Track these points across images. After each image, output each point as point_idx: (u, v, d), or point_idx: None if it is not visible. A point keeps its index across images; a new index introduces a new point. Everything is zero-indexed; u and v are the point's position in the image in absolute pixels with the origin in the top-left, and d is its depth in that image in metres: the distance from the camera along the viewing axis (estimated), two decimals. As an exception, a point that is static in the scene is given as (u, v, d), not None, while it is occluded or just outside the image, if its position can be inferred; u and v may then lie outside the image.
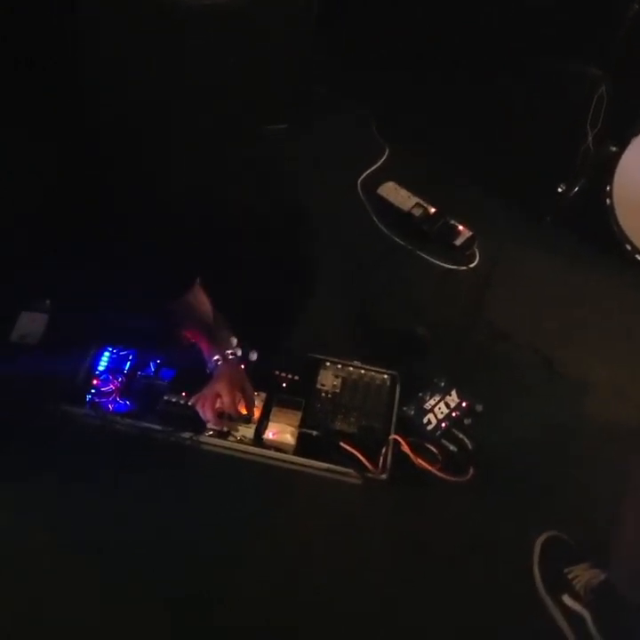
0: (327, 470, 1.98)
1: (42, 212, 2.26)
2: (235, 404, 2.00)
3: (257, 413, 2.05)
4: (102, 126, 2.17)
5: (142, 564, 1.82)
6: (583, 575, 1.81)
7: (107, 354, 2.16)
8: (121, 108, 2.16)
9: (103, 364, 2.14)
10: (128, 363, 2.15)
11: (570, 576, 1.83)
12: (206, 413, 2.00)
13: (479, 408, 2.17)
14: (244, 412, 2.03)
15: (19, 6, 2.14)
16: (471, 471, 2.03)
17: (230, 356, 2.06)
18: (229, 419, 2.02)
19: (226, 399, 1.99)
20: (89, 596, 1.76)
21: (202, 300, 2.12)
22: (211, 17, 2.45)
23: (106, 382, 2.08)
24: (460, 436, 2.11)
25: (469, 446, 2.10)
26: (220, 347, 2.07)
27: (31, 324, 2.22)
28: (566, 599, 1.80)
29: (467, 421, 2.15)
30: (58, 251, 2.19)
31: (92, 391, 2.07)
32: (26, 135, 2.18)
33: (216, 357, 2.04)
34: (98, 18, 2.29)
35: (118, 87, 2.24)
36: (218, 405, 1.99)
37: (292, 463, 2.00)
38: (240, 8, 2.47)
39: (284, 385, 2.14)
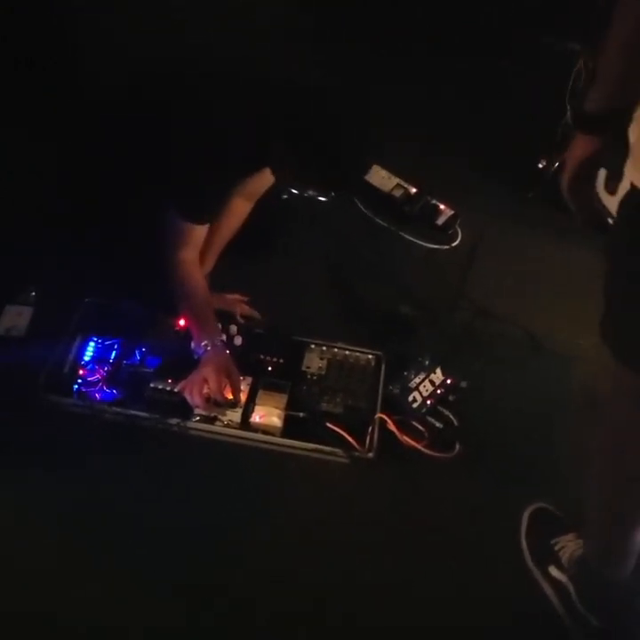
0: (315, 451, 2.01)
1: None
2: (221, 390, 2.01)
3: (243, 397, 2.07)
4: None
5: (133, 552, 1.83)
6: (568, 546, 1.83)
7: (92, 344, 2.17)
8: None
9: (89, 354, 2.14)
10: (113, 352, 2.16)
11: (556, 547, 1.85)
12: (194, 399, 2.01)
13: (464, 384, 2.18)
14: (231, 397, 2.04)
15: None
16: (457, 447, 2.05)
17: (218, 342, 2.08)
18: (216, 404, 2.03)
19: (212, 385, 2.00)
20: (79, 584, 1.78)
21: (199, 279, 2.16)
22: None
23: (92, 372, 2.09)
24: (446, 412, 2.13)
25: (455, 422, 2.12)
26: (210, 333, 2.09)
27: (16, 316, 2.23)
28: (553, 570, 1.83)
29: (452, 398, 2.17)
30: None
31: (79, 381, 2.08)
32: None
33: (204, 343, 2.06)
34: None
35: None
36: (205, 391, 2.01)
37: (280, 445, 2.02)
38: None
39: (270, 368, 2.16)
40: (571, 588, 1.78)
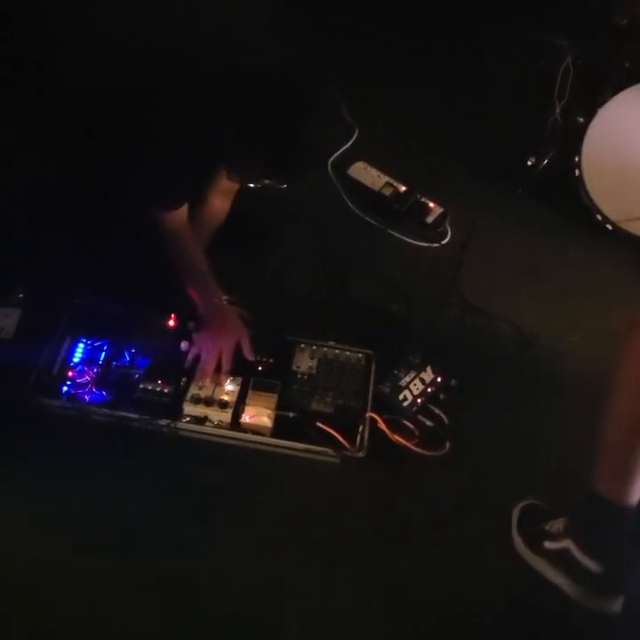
0: (305, 451, 2.00)
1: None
2: (230, 363, 2.09)
3: (233, 398, 2.06)
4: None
5: (123, 551, 1.83)
6: (559, 521, 1.87)
7: (81, 345, 2.15)
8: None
9: (78, 355, 2.13)
10: (103, 353, 2.14)
11: (547, 527, 1.89)
12: (206, 372, 2.07)
13: (454, 383, 2.19)
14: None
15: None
16: (448, 445, 2.05)
17: (222, 302, 2.16)
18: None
19: (225, 358, 2.08)
20: (70, 582, 1.78)
21: (191, 244, 2.20)
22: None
23: (81, 373, 2.08)
24: (436, 411, 2.14)
25: (445, 421, 2.12)
26: (212, 294, 2.16)
27: (4, 318, 2.22)
28: (547, 544, 1.85)
29: (442, 396, 2.17)
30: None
31: (68, 383, 2.07)
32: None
33: (209, 305, 2.14)
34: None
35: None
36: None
37: (270, 445, 2.01)
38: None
39: (260, 368, 2.15)
40: (569, 544, 1.80)
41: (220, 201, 2.36)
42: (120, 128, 2.06)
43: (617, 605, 1.77)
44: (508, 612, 1.85)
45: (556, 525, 1.87)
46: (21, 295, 2.28)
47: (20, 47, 2.25)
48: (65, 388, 2.06)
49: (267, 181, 2.07)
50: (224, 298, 2.18)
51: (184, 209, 2.17)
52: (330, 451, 2.00)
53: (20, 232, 2.35)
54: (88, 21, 2.22)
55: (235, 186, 2.33)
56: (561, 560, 1.81)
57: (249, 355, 2.12)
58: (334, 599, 1.82)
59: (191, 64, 2.05)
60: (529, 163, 2.82)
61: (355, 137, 2.98)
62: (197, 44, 2.10)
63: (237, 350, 2.12)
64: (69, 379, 2.08)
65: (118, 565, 1.81)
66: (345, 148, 2.95)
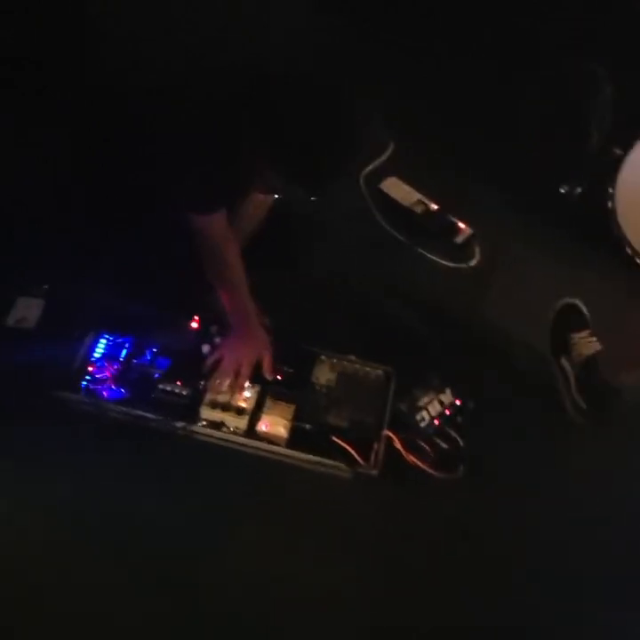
0: (318, 464, 2.00)
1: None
2: (245, 380, 2.08)
3: (250, 405, 2.06)
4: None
5: (129, 550, 1.83)
6: (579, 343, 2.20)
7: (103, 340, 2.16)
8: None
9: (99, 350, 2.14)
10: (124, 350, 2.15)
11: (571, 342, 2.21)
12: (220, 384, 2.07)
13: (472, 406, 2.17)
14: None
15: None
16: (461, 469, 2.04)
17: (251, 318, 2.15)
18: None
19: (244, 373, 2.08)
20: (76, 580, 1.79)
21: (231, 251, 2.15)
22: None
23: (101, 369, 2.09)
24: (453, 433, 2.12)
25: (461, 444, 2.11)
26: (244, 307, 2.16)
27: (27, 308, 2.24)
28: (563, 361, 2.22)
29: (459, 419, 2.15)
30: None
31: (88, 378, 2.07)
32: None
33: (237, 317, 2.14)
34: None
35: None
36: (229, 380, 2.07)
37: (284, 456, 2.01)
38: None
39: (279, 377, 2.14)
40: (571, 378, 2.18)
41: (253, 210, 2.35)
42: (145, 127, 2.05)
43: None
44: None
45: (576, 344, 2.19)
46: (46, 286, 2.29)
47: (21, 47, 2.24)
48: (84, 383, 2.06)
49: (291, 191, 2.04)
50: (255, 312, 2.17)
51: (222, 214, 2.14)
52: (343, 465, 1.99)
53: (48, 223, 2.36)
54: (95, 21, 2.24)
55: (269, 198, 2.34)
56: (564, 379, 2.21)
57: (268, 373, 2.12)
58: (332, 612, 1.81)
59: (209, 65, 2.02)
60: (562, 191, 2.81)
61: (389, 151, 2.97)
62: (214, 45, 2.09)
63: (257, 364, 2.13)
64: (89, 373, 2.08)
65: (120, 563, 1.82)
66: (379, 161, 2.94)
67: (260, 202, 2.35)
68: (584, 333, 2.21)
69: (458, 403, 2.16)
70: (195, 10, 2.14)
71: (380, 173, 2.88)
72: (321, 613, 1.81)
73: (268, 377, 2.12)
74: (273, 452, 2.01)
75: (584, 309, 2.27)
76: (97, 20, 2.20)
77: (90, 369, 2.09)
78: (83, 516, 1.88)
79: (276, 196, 2.17)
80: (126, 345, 2.16)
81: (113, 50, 2.26)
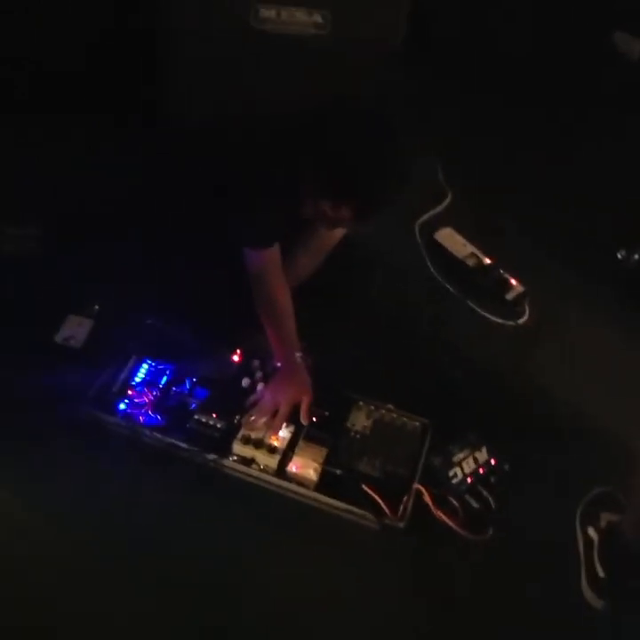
0: (345, 511, 1.97)
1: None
2: (282, 422, 2.08)
3: (283, 445, 2.06)
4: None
5: (149, 578, 1.83)
6: (607, 515, 2.04)
7: (145, 366, 2.19)
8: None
9: (140, 375, 2.16)
10: (165, 377, 2.17)
11: (600, 518, 2.06)
12: (256, 422, 2.07)
13: (507, 467, 2.13)
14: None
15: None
16: (490, 531, 2.00)
17: (295, 360, 2.15)
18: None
19: (280, 415, 2.07)
20: (86, 598, 1.79)
21: (281, 291, 2.19)
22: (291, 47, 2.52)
23: (140, 394, 2.11)
24: (485, 493, 2.08)
25: (492, 505, 2.06)
26: (288, 348, 2.16)
27: (76, 327, 2.28)
28: (590, 530, 2.04)
29: (493, 479, 2.11)
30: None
31: (126, 401, 2.09)
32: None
33: (282, 358, 2.16)
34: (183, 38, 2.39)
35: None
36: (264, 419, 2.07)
37: (311, 499, 1.99)
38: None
39: (314, 419, 2.13)
40: (595, 543, 2.00)
41: (307, 262, 2.40)
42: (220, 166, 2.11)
43: None
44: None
45: (603, 517, 2.03)
46: (97, 307, 2.33)
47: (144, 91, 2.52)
48: (122, 406, 2.08)
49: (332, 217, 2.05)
50: (298, 354, 2.16)
51: (275, 251, 2.17)
52: (370, 515, 1.96)
53: (106, 245, 2.42)
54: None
55: (326, 247, 2.36)
56: (588, 546, 2.01)
57: (304, 419, 2.11)
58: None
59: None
60: (619, 256, 2.77)
61: (447, 202, 2.98)
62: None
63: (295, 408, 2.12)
64: (128, 397, 2.10)
65: (139, 591, 1.81)
66: (435, 211, 2.95)
67: (322, 241, 2.37)
68: (615, 515, 2.05)
69: (493, 462, 2.13)
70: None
71: (436, 223, 2.88)
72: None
73: (304, 422, 2.11)
74: (300, 495, 1.99)
75: (620, 497, 2.11)
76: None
77: (129, 393, 2.11)
78: (105, 534, 1.89)
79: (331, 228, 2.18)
80: (167, 372, 2.18)
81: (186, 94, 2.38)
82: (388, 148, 1.90)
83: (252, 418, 2.07)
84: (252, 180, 2.08)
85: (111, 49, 2.68)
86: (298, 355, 2.16)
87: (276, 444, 2.04)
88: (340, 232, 2.36)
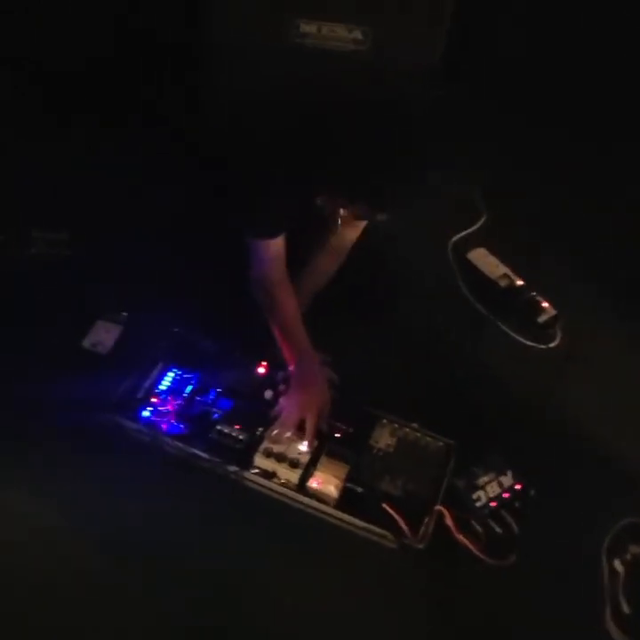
0: (364, 529, 1.95)
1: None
2: (312, 435, 2.05)
3: (305, 459, 2.04)
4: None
5: (161, 587, 1.83)
6: (634, 549, 2.00)
7: (171, 374, 2.18)
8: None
9: (165, 383, 2.16)
10: (190, 386, 2.17)
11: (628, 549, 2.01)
12: (280, 435, 2.05)
13: (532, 493, 2.09)
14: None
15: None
16: (513, 557, 1.95)
17: (308, 365, 2.13)
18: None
19: (309, 429, 2.04)
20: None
21: (286, 295, 2.19)
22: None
23: (164, 402, 2.11)
24: (508, 518, 2.04)
25: (516, 531, 2.02)
26: (299, 353, 2.14)
27: (105, 333, 2.28)
28: (616, 563, 1.99)
29: (517, 504, 2.07)
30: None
31: (150, 408, 2.09)
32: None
33: (293, 365, 2.13)
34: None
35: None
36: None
37: (331, 516, 1.97)
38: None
39: (337, 435, 2.12)
40: (621, 577, 1.94)
41: (328, 260, 2.39)
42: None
43: None
44: None
45: (630, 548, 1.97)
46: (125, 313, 2.34)
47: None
48: (145, 413, 2.08)
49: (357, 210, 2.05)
50: (312, 360, 2.16)
51: (279, 244, 2.16)
52: (389, 535, 1.93)
53: (136, 251, 2.44)
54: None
55: (346, 244, 2.34)
56: (614, 581, 1.94)
57: (322, 425, 2.09)
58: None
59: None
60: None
61: (481, 222, 2.95)
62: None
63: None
64: (152, 405, 2.10)
65: (150, 601, 1.81)
66: (469, 230, 2.93)
67: (324, 269, 2.38)
68: None
69: (518, 487, 2.08)
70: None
71: (470, 243, 2.86)
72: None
73: (322, 429, 2.09)
74: (320, 511, 1.97)
75: None
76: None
77: (153, 400, 2.11)
78: (120, 539, 1.89)
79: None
80: (192, 381, 2.18)
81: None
82: (402, 144, 1.91)
83: (275, 432, 2.06)
84: (256, 176, 2.09)
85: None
86: (311, 360, 2.14)
87: (298, 458, 2.02)
88: (357, 230, 2.36)
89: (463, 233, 2.91)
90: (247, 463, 2.01)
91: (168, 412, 2.09)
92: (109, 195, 2.59)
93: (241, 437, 2.05)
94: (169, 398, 2.12)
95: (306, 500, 1.98)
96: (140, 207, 2.54)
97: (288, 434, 2.05)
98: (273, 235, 2.16)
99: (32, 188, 2.53)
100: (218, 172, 2.38)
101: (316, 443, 2.07)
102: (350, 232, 2.36)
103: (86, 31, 2.67)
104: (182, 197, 2.50)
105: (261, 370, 2.23)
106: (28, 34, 2.64)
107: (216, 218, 2.35)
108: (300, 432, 2.06)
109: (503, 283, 2.70)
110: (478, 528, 2.01)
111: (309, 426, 2.06)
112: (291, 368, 2.15)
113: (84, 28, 2.66)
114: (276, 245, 2.18)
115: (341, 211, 2.03)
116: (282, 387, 2.18)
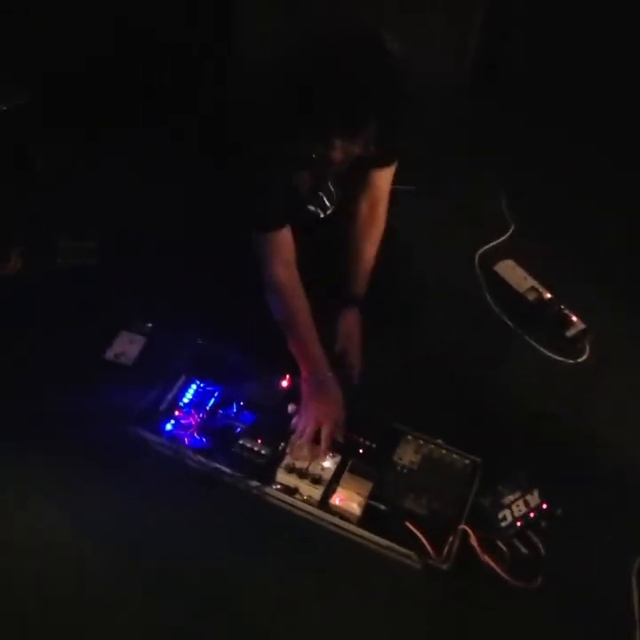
0: (387, 548, 1.91)
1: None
2: (327, 448, 2.03)
3: (327, 475, 2.01)
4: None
5: (169, 595, 1.81)
6: None
7: (194, 386, 2.17)
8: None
9: (188, 396, 2.15)
10: (212, 399, 2.15)
11: None
12: (301, 452, 2.02)
13: (560, 512, 2.04)
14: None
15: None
16: (539, 580, 1.91)
17: (323, 377, 2.08)
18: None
19: (324, 443, 2.02)
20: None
21: (296, 298, 2.13)
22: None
23: (187, 416, 2.09)
24: (535, 539, 1.99)
25: (542, 552, 1.98)
26: (311, 363, 2.10)
27: (128, 344, 2.28)
28: None
29: (544, 524, 2.02)
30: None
31: (172, 422, 2.08)
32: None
33: (307, 376, 2.09)
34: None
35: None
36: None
37: (353, 533, 1.94)
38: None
39: (361, 451, 2.09)
40: None
41: (369, 210, 2.31)
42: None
43: None
44: None
45: None
46: (150, 325, 2.33)
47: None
48: (168, 427, 2.07)
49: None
50: (325, 369, 2.11)
51: (285, 236, 2.11)
52: (413, 554, 1.90)
53: (161, 264, 2.44)
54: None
55: (383, 190, 2.29)
56: None
57: (338, 435, 2.07)
58: None
59: None
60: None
61: (509, 234, 2.92)
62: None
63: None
64: (175, 418, 2.09)
65: (166, 611, 1.79)
66: (496, 242, 2.90)
67: (369, 221, 2.33)
68: None
69: (545, 507, 2.04)
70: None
71: (497, 255, 2.82)
72: None
73: (339, 439, 2.06)
74: (342, 528, 1.94)
75: None
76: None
77: (176, 413, 2.09)
78: (139, 551, 1.89)
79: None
80: (215, 394, 2.16)
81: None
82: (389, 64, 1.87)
83: (297, 443, 2.03)
84: (261, 150, 2.00)
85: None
86: (325, 369, 2.10)
87: (320, 474, 2.00)
88: (388, 173, 2.26)
89: (490, 244, 2.87)
90: (269, 478, 1.99)
91: (191, 426, 2.07)
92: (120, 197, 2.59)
93: (263, 452, 2.03)
94: (192, 411, 2.10)
95: (328, 516, 1.95)
96: (152, 210, 2.53)
97: (306, 447, 2.03)
98: (277, 223, 2.09)
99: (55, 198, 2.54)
100: (218, 172, 2.35)
101: (338, 458, 2.05)
102: (382, 174, 2.25)
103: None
104: (197, 201, 2.49)
105: (284, 383, 2.21)
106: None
107: (231, 224, 2.31)
108: (316, 443, 2.04)
109: (531, 296, 2.66)
110: (504, 548, 1.97)
111: (325, 435, 2.03)
112: (304, 377, 2.12)
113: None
114: (283, 239, 2.11)
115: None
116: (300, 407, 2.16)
